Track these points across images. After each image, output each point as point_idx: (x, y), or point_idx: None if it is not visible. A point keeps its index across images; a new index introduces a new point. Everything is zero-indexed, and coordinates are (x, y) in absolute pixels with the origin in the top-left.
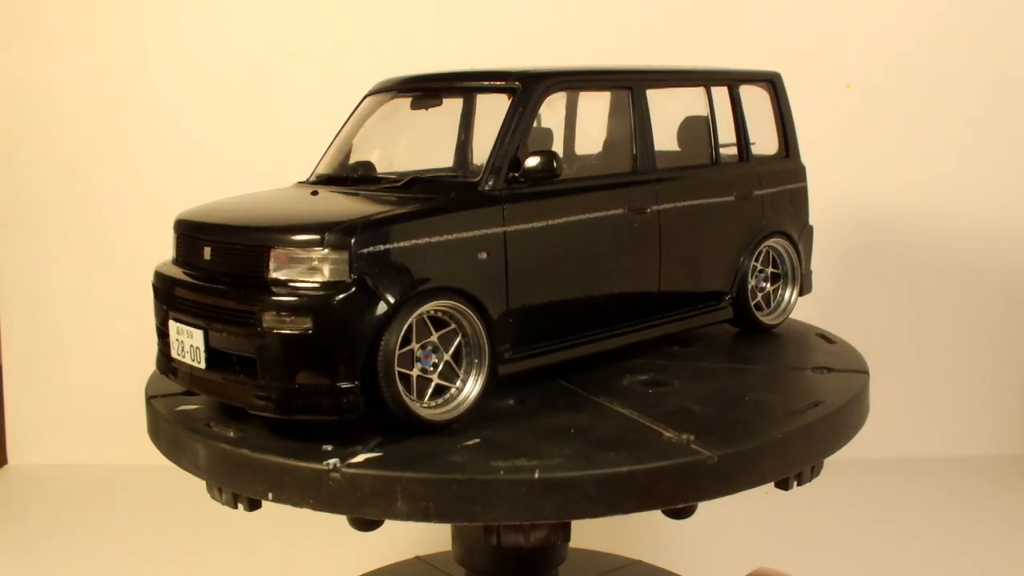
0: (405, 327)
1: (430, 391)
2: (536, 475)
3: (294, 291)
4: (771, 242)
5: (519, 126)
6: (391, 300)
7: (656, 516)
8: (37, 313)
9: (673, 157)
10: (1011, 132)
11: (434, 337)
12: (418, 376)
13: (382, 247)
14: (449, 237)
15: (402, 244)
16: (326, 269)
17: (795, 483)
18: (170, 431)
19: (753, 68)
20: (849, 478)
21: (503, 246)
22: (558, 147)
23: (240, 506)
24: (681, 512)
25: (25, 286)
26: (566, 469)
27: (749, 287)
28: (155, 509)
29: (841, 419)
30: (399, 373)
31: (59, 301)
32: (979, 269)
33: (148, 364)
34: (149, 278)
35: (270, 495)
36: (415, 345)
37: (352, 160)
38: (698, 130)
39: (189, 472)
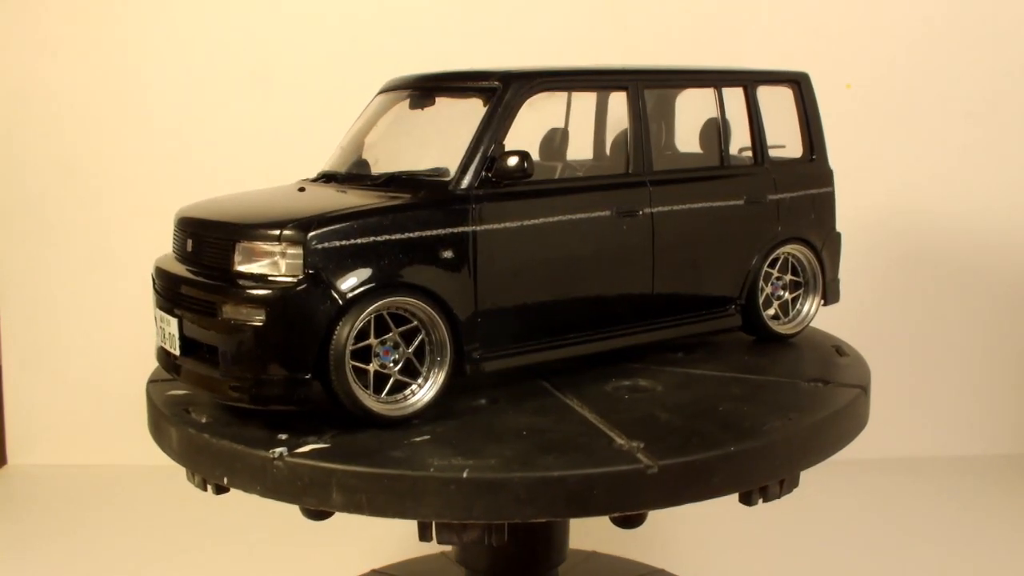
0: (358, 322)
1: (388, 387)
2: (465, 474)
3: (252, 284)
4: (788, 249)
5: (495, 126)
6: (344, 295)
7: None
8: (37, 313)
9: (682, 159)
10: (1010, 132)
11: (393, 333)
12: (376, 371)
13: (338, 243)
14: (411, 235)
15: (359, 241)
16: (283, 263)
17: (760, 499)
18: (155, 415)
19: (778, 68)
20: (849, 478)
21: (471, 246)
22: (586, 148)
23: (209, 489)
24: (629, 521)
25: (25, 286)
26: (497, 470)
27: (763, 295)
28: (155, 509)
29: (811, 435)
30: (356, 368)
31: (59, 301)
32: (979, 268)
33: (148, 364)
34: (149, 279)
35: (225, 479)
36: (374, 340)
37: (359, 158)
38: (712, 132)
39: (167, 455)
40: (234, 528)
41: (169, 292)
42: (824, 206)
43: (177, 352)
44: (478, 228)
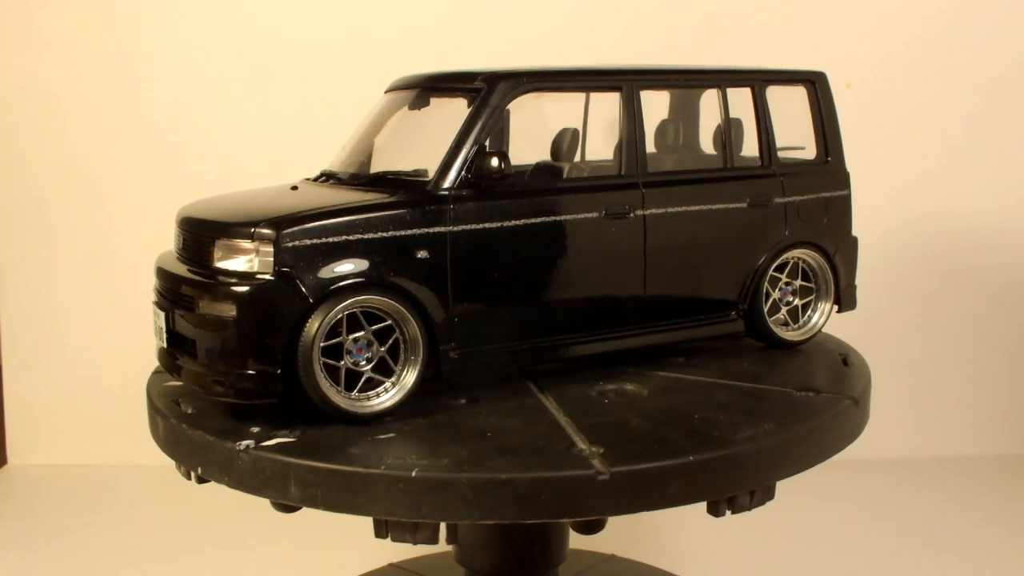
0: (327, 320)
1: (360, 384)
2: (414, 473)
3: (227, 280)
4: (797, 253)
5: (478, 128)
6: (312, 293)
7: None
8: (37, 313)
9: (701, 160)
10: (1010, 132)
11: (366, 332)
12: (348, 368)
13: (308, 242)
14: (384, 235)
15: (331, 240)
16: (256, 261)
17: (727, 510)
18: (150, 406)
19: (792, 68)
20: (849, 478)
21: (447, 246)
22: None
23: (193, 478)
24: (588, 527)
25: (25, 286)
26: (447, 470)
27: (768, 300)
28: (155, 509)
29: (784, 447)
30: (327, 364)
31: (59, 301)
32: (980, 268)
33: (148, 364)
34: (149, 278)
35: (200, 469)
36: (346, 338)
37: (359, 157)
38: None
39: (157, 445)
40: (237, 527)
41: (161, 287)
42: (838, 209)
43: (164, 344)
44: (455, 228)
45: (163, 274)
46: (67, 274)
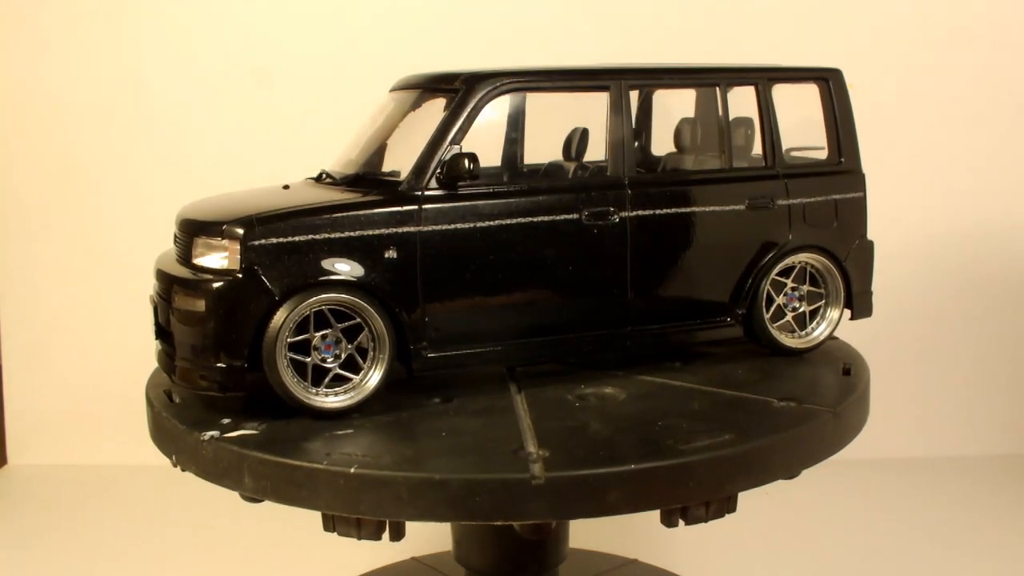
0: (291, 316)
1: (327, 380)
2: (352, 470)
3: (200, 276)
4: (803, 257)
5: (454, 129)
6: (277, 290)
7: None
8: (37, 313)
9: (702, 160)
10: (1009, 133)
11: (334, 329)
12: (316, 364)
13: (275, 240)
14: (351, 234)
15: (297, 239)
16: (226, 258)
17: (680, 520)
18: (146, 399)
19: (805, 64)
20: (849, 478)
21: (416, 246)
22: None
23: (178, 467)
24: (536, 530)
25: (25, 286)
26: (385, 468)
27: (772, 305)
28: (155, 509)
29: (741, 458)
30: (294, 360)
31: (59, 301)
32: (979, 268)
33: (148, 364)
34: (149, 279)
35: (174, 457)
36: (314, 334)
37: (356, 157)
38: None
39: (149, 435)
40: (246, 523)
41: (155, 284)
42: (851, 213)
43: (152, 336)
44: (425, 229)
45: (156, 272)
46: (67, 274)
